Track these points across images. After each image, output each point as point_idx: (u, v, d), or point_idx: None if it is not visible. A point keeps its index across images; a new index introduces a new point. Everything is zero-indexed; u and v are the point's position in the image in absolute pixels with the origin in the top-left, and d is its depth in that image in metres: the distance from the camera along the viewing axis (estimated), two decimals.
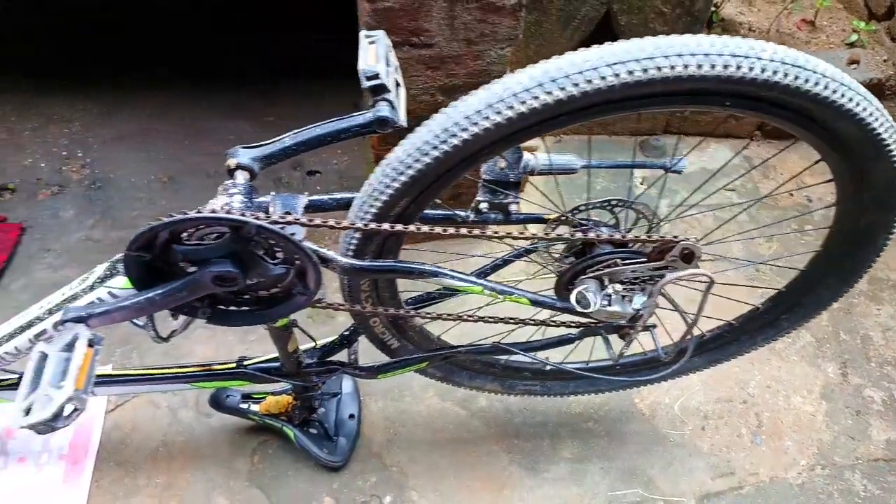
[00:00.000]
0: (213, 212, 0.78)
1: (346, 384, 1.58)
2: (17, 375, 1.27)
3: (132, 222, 1.93)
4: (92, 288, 0.98)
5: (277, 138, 0.94)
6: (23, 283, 1.79)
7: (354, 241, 0.93)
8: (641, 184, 2.19)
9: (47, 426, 0.76)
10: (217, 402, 1.45)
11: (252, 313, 0.95)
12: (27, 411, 0.77)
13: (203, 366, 1.27)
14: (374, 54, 0.95)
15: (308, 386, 1.35)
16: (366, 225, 0.83)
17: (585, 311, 0.88)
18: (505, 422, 1.59)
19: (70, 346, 0.81)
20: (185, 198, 2.02)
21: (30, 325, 1.07)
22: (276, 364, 1.27)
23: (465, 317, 1.01)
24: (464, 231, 0.88)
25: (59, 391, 0.76)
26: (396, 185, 0.83)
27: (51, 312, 1.05)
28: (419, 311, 1.03)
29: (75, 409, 0.78)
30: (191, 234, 0.82)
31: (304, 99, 2.38)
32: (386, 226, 0.83)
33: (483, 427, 1.58)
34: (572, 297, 0.89)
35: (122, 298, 0.87)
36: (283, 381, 1.28)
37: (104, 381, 1.25)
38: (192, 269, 0.87)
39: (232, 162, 0.91)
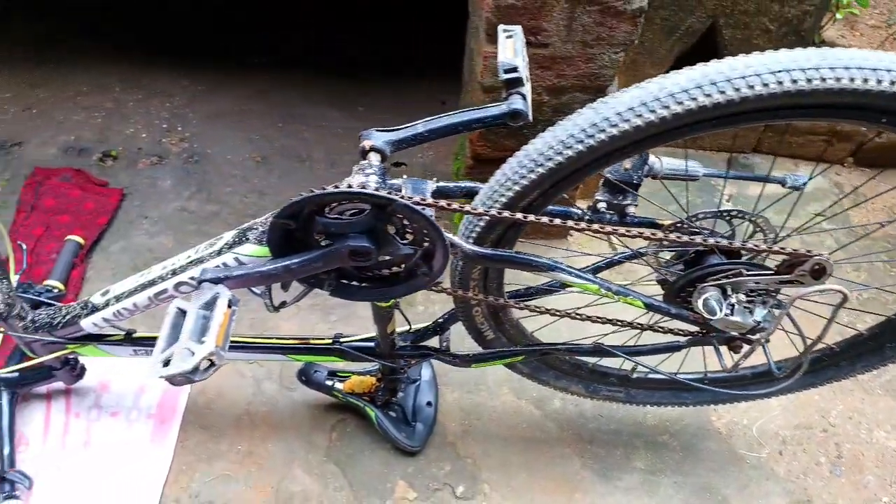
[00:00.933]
0: (363, 188, 0.80)
1: (425, 371, 1.60)
2: (123, 332, 1.33)
3: (226, 197, 2.00)
4: (219, 253, 1.03)
5: (410, 124, 0.97)
6: (121, 245, 1.87)
7: (478, 229, 0.95)
8: (728, 201, 2.16)
9: (185, 378, 0.80)
10: (305, 376, 1.49)
11: (372, 289, 0.98)
12: (166, 363, 0.81)
13: (300, 339, 1.31)
14: (512, 48, 0.97)
15: (396, 369, 1.38)
16: (499, 213, 0.85)
17: (710, 318, 0.88)
18: (579, 426, 1.58)
19: (209, 305, 0.85)
20: (276, 178, 2.08)
21: (151, 283, 1.13)
22: (371, 344, 1.30)
23: (574, 314, 1.02)
24: (585, 227, 0.89)
25: (200, 346, 0.80)
26: (533, 175, 0.84)
27: (174, 273, 1.10)
28: (528, 304, 1.04)
29: (212, 365, 0.81)
30: (332, 207, 0.85)
31: (394, 92, 2.42)
32: (518, 215, 0.85)
33: (556, 429, 1.58)
34: (699, 303, 0.89)
35: (259, 264, 0.91)
36: (375, 361, 1.31)
37: None
38: (324, 241, 0.91)
39: (367, 143, 0.94)
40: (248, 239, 1.00)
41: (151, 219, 1.94)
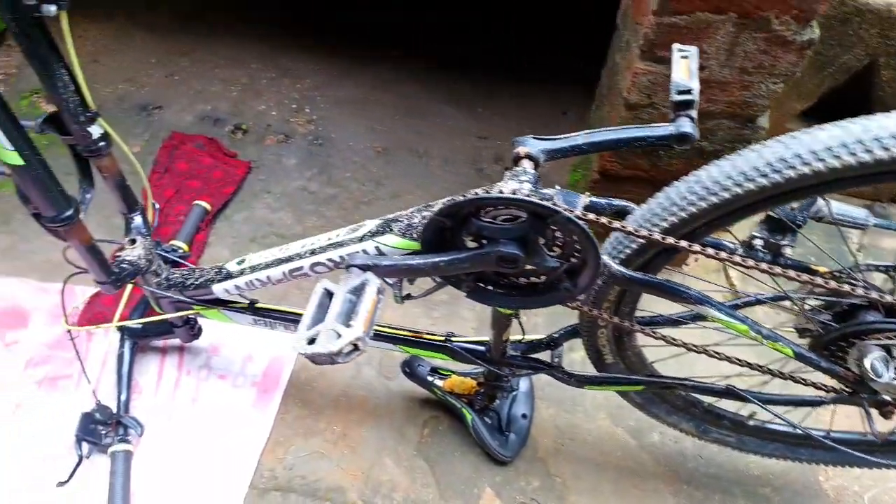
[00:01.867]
0: (529, 195, 0.79)
1: (523, 383, 1.58)
2: (247, 301, 1.38)
3: (345, 182, 2.05)
4: (361, 240, 1.04)
5: (569, 135, 0.95)
6: (244, 215, 1.95)
7: (628, 251, 0.92)
8: (858, 251, 2.02)
9: (329, 358, 0.82)
10: (409, 368, 1.51)
11: (509, 297, 0.97)
12: (311, 341, 0.82)
13: (414, 332, 1.32)
14: (687, 69, 0.94)
15: (501, 376, 1.36)
16: (663, 237, 0.82)
17: (875, 379, 0.82)
18: (677, 464, 1.53)
19: (356, 291, 0.87)
20: (393, 169, 2.11)
21: (288, 259, 1.16)
22: (482, 348, 1.29)
23: (713, 351, 0.97)
24: (740, 262, 0.85)
25: (348, 329, 0.81)
26: (704, 204, 0.81)
27: (312, 253, 1.12)
28: (663, 334, 1.00)
29: (355, 349, 0.83)
30: (487, 211, 0.85)
31: (514, 97, 2.41)
32: (683, 242, 0.81)
33: (652, 463, 1.53)
34: (865, 362, 0.83)
35: (408, 257, 0.92)
36: (482, 365, 1.30)
37: None
38: (471, 243, 0.90)
39: (522, 150, 0.93)
40: (391, 230, 1.01)
41: (274, 194, 2.01)
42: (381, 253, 1.03)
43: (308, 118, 2.25)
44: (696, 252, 0.80)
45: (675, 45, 0.97)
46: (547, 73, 2.48)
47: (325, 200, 1.98)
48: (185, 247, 1.81)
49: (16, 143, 0.98)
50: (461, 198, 0.80)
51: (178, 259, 1.79)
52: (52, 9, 0.95)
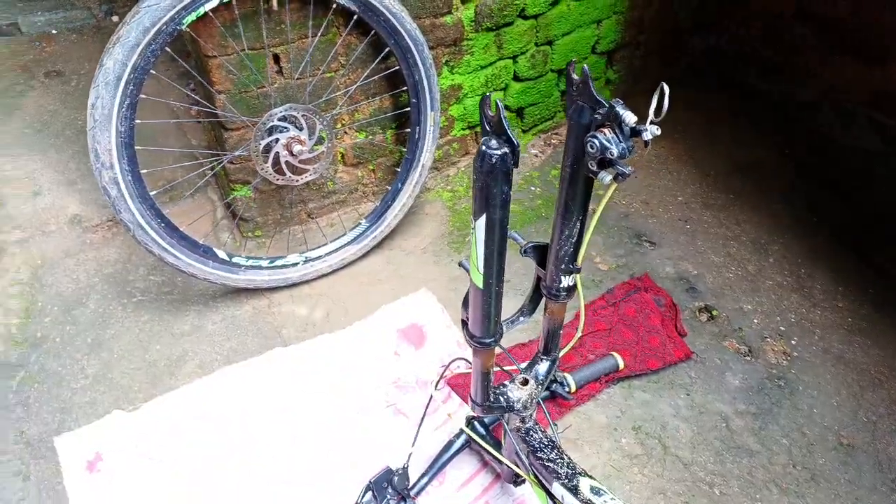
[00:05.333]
0: None
1: None
2: None
3: (775, 446, 1.63)
4: None
5: None
6: (645, 399, 1.72)
7: None
8: None
9: None
10: None
11: None
12: None
13: None
14: None
15: None
16: None
17: None
18: None
19: None
20: (841, 482, 1.59)
21: None
22: None
23: None
24: None
25: None
26: None
27: None
28: None
29: None
30: None
31: None
32: None
33: None
34: None
35: None
36: None
37: None
38: None
39: None
40: None
41: (689, 400, 1.72)
42: None
43: (788, 350, 1.86)
44: None
45: None
46: None
47: (737, 449, 1.60)
48: (573, 385, 1.69)
49: (487, 270, 0.95)
50: None
51: (561, 393, 1.68)
52: (608, 179, 0.88)
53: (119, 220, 1.58)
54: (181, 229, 1.71)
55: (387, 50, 1.79)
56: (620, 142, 0.84)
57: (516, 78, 2.25)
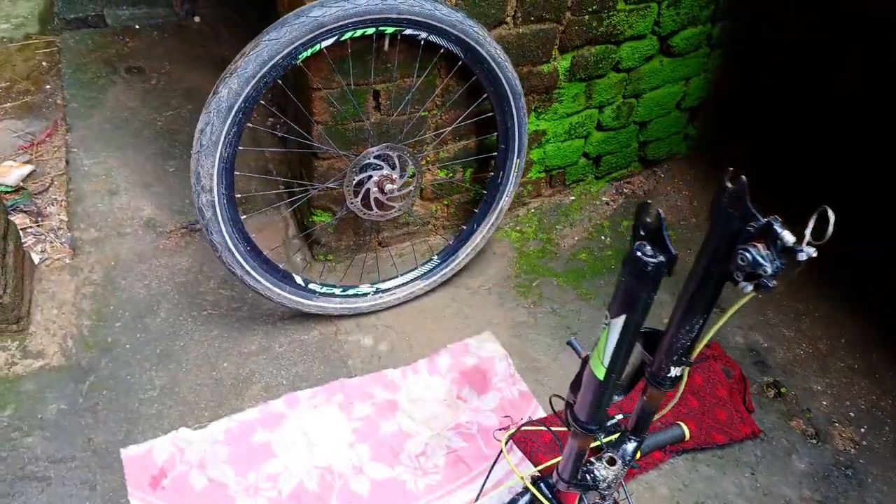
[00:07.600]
0: None
1: None
2: None
3: None
4: None
5: None
6: (709, 474, 1.69)
7: None
8: None
9: None
10: None
11: None
12: None
13: None
14: None
15: None
16: None
17: None
18: None
19: None
20: None
21: None
22: None
23: None
24: None
25: None
26: None
27: None
28: None
29: None
30: None
31: None
32: None
33: None
34: None
35: None
36: None
37: None
38: None
39: None
40: None
41: (751, 483, 1.69)
42: None
43: (856, 438, 1.82)
44: None
45: None
46: None
47: None
48: (638, 453, 1.66)
49: (612, 366, 0.94)
50: None
51: (627, 463, 1.65)
52: (749, 289, 0.87)
53: (209, 241, 1.60)
54: (264, 253, 1.72)
55: (484, 96, 1.79)
56: (774, 259, 0.82)
57: (599, 127, 2.24)
